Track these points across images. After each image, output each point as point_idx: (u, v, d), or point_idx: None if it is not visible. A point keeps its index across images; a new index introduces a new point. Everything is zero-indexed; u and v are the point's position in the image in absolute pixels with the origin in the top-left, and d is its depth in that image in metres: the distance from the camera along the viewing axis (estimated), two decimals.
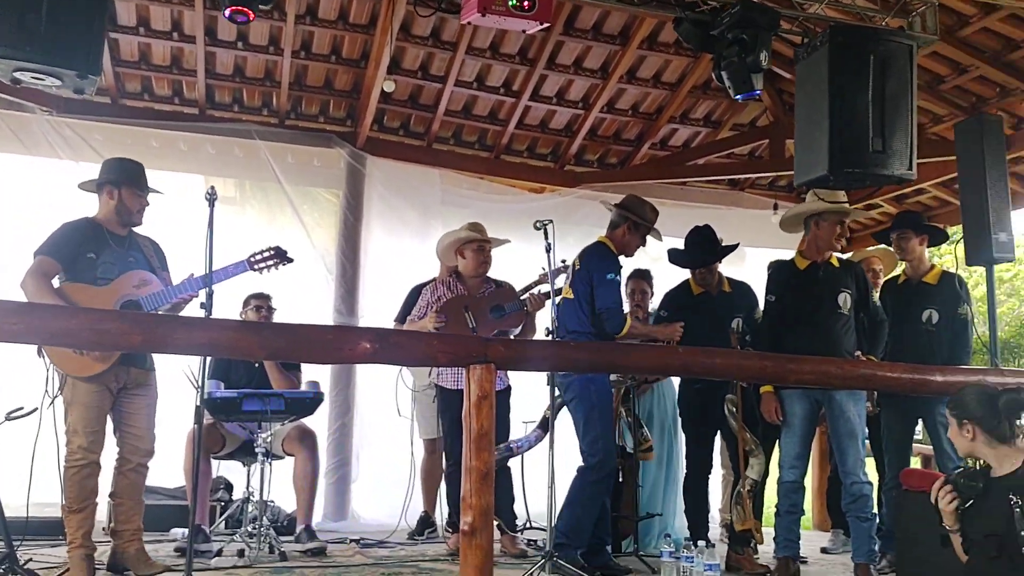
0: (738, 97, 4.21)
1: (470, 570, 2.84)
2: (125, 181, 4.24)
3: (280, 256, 4.37)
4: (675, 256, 5.23)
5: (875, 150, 3.72)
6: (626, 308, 5.97)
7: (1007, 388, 2.99)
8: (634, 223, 4.72)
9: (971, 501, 2.83)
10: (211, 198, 3.94)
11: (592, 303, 4.56)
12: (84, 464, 3.97)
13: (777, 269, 4.97)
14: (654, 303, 5.65)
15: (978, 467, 3.00)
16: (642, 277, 5.85)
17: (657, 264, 5.71)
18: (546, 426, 4.56)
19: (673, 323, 4.74)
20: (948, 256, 5.01)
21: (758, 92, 4.25)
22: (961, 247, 4.18)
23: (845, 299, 4.69)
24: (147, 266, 4.24)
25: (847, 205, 4.79)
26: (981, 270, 4.18)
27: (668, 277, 5.53)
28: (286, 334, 2.81)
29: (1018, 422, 2.88)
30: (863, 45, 3.71)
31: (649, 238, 4.82)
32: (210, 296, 3.92)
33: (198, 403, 3.83)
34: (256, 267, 4.31)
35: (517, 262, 5.73)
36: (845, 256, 5.38)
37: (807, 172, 3.90)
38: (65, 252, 4.06)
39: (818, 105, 3.78)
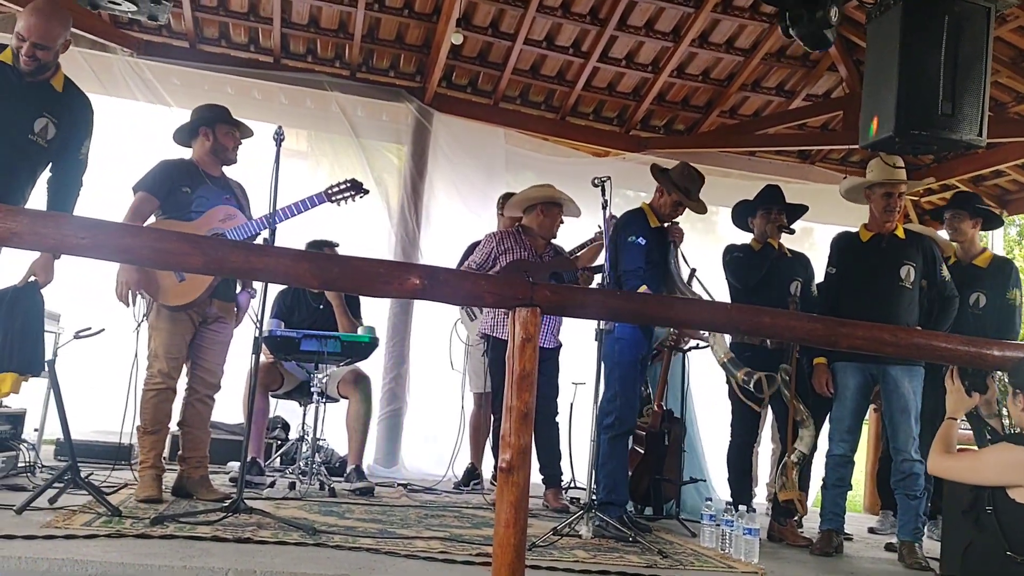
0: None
1: (506, 505, 2.88)
2: (218, 120, 4.44)
3: (356, 188, 4.39)
4: (740, 206, 5.14)
5: (944, 113, 3.58)
6: None
7: None
8: (666, 187, 4.73)
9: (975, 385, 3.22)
10: (278, 138, 4.05)
11: (616, 266, 4.57)
12: (162, 388, 4.18)
13: (839, 239, 4.88)
14: None
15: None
16: None
17: None
18: None
19: None
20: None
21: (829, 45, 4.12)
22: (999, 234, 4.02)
23: (908, 272, 4.56)
24: (237, 205, 4.41)
25: (897, 176, 4.62)
26: None
27: None
28: (340, 264, 2.86)
29: None
30: (937, 5, 3.57)
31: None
32: (273, 232, 4.04)
33: (256, 335, 3.96)
34: (333, 198, 4.35)
35: (573, 225, 5.73)
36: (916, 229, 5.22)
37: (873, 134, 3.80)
38: (162, 187, 4.26)
39: (887, 65, 3.66)
